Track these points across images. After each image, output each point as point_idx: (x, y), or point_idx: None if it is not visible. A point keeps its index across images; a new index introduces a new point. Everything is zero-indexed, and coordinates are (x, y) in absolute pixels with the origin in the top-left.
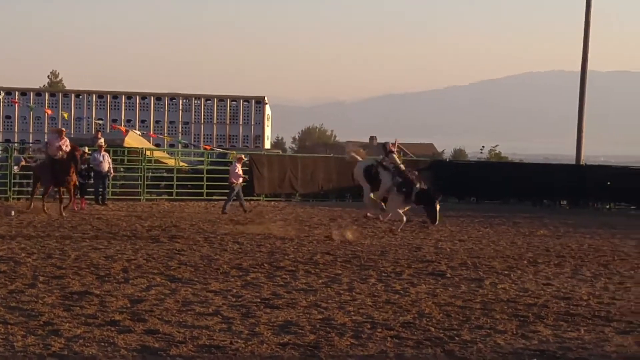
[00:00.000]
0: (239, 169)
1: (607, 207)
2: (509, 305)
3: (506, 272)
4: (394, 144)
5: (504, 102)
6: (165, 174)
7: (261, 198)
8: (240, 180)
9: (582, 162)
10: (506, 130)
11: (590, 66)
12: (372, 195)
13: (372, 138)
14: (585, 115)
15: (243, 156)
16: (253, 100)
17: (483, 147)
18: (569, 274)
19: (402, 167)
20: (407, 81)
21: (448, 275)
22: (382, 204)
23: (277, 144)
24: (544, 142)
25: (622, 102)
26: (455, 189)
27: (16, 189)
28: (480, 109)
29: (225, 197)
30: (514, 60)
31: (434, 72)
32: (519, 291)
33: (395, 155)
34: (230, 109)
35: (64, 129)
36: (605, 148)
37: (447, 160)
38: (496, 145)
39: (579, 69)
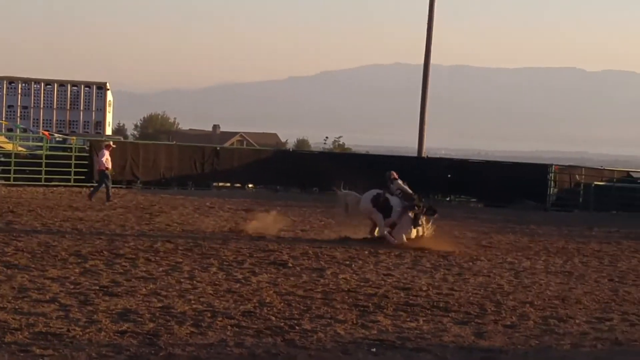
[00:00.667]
0: (107, 156)
1: (448, 199)
2: (350, 295)
3: (347, 262)
4: (395, 172)
5: (347, 93)
6: (2, 159)
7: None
8: (110, 166)
9: (423, 154)
10: (350, 121)
11: (432, 60)
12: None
13: (215, 127)
14: (427, 108)
15: (112, 143)
16: (94, 86)
17: (327, 137)
18: (409, 264)
19: (409, 190)
20: (251, 71)
21: (290, 264)
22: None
23: (119, 130)
24: (387, 134)
25: (463, 96)
26: (298, 179)
27: None
28: (324, 99)
29: (96, 184)
30: (357, 53)
31: (279, 62)
32: (360, 281)
33: (399, 182)
34: (71, 95)
35: None
36: (447, 141)
37: (291, 150)
38: (340, 137)
39: (422, 62)
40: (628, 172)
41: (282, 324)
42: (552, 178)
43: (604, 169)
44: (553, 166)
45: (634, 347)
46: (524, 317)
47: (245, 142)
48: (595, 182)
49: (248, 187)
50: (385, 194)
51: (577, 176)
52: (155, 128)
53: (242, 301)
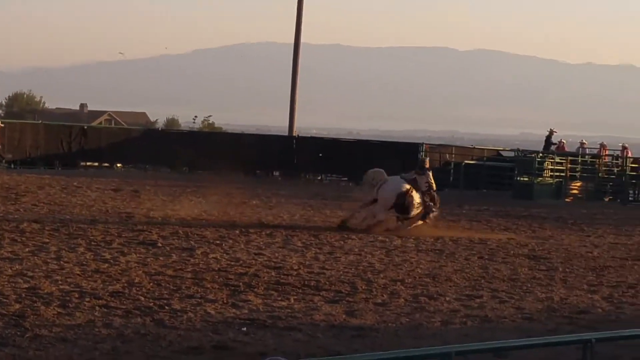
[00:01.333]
0: None
1: (319, 178)
2: (220, 274)
3: (218, 242)
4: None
5: (217, 72)
6: None
7: None
8: None
9: (294, 134)
10: (220, 101)
11: (303, 39)
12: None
13: (82, 105)
14: (297, 88)
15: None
16: None
17: (196, 117)
18: (280, 243)
19: (434, 185)
20: (119, 49)
21: (159, 244)
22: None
23: None
24: (258, 113)
25: (335, 75)
26: (167, 158)
27: None
28: (194, 78)
29: None
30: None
31: (147, 40)
32: (231, 260)
33: (430, 173)
34: None
35: None
36: (318, 120)
37: (160, 129)
38: (209, 116)
39: (292, 41)
40: (498, 151)
41: (151, 304)
42: (423, 157)
43: (474, 148)
44: (424, 145)
45: (503, 324)
46: (394, 295)
47: (113, 121)
48: (466, 161)
49: (116, 166)
50: (412, 190)
51: (447, 155)
52: (20, 107)
53: (111, 281)
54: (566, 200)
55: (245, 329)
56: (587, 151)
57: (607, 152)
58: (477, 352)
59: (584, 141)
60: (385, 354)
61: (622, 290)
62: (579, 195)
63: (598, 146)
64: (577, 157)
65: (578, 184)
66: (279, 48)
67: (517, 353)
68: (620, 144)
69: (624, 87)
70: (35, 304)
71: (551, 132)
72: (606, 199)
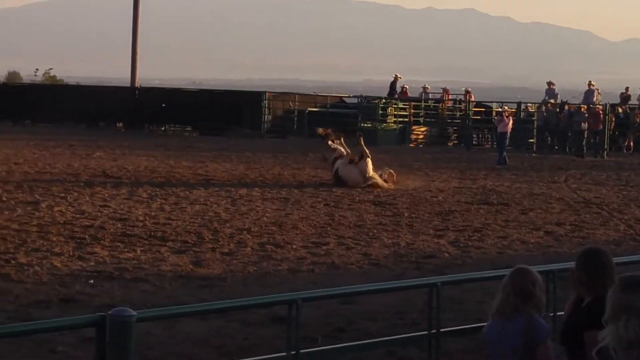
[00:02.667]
0: None
1: (163, 129)
2: (66, 227)
3: (62, 195)
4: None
5: (56, 23)
6: None
7: None
8: None
9: (137, 85)
10: (61, 53)
11: None
12: None
13: None
14: (138, 38)
15: None
16: None
17: (37, 69)
18: (126, 195)
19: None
20: None
21: (4, 198)
22: None
23: None
24: (99, 65)
25: (178, 25)
26: (10, 112)
27: None
28: (33, 30)
29: None
30: None
31: None
32: (76, 213)
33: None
34: None
35: None
36: (162, 70)
37: (1, 83)
38: (50, 68)
39: None
40: (341, 97)
41: None
42: (266, 105)
43: (318, 95)
44: (267, 93)
45: (350, 270)
46: (241, 244)
47: None
48: (309, 109)
49: None
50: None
51: (290, 103)
52: None
53: None
54: (410, 145)
55: (92, 281)
56: (430, 96)
57: (449, 97)
58: (324, 298)
59: (426, 86)
60: (232, 302)
61: (467, 234)
62: (423, 141)
63: (441, 91)
64: (421, 102)
65: (422, 129)
66: None
67: (364, 299)
68: (464, 89)
69: (466, 32)
70: None
71: (396, 78)
72: (450, 144)
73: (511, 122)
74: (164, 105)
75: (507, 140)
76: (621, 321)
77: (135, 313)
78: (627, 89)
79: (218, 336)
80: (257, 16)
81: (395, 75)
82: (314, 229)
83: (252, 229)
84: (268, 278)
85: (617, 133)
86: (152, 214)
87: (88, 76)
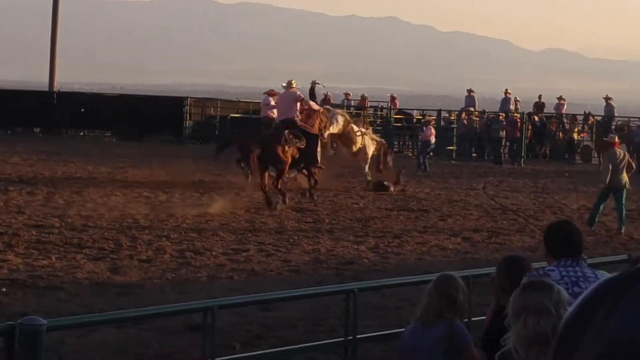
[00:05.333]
0: None
1: (81, 134)
2: None
3: None
4: None
5: None
6: None
7: None
8: None
9: (55, 89)
10: None
11: None
12: None
13: None
14: (58, 41)
15: None
16: None
17: None
18: (42, 201)
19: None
20: None
21: None
22: None
23: None
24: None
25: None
26: None
27: None
28: None
29: None
30: None
31: None
32: None
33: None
34: None
35: None
36: (82, 75)
37: None
38: None
39: None
40: None
41: None
42: (188, 111)
43: (240, 101)
44: (189, 99)
45: (270, 277)
46: (160, 251)
47: None
48: (231, 114)
49: None
50: None
51: (212, 109)
52: None
53: None
54: (331, 151)
55: (4, 289)
56: (352, 103)
57: (368, 104)
58: (240, 305)
59: (348, 93)
60: (147, 310)
61: (387, 241)
62: None
63: (359, 98)
64: (343, 108)
65: None
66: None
67: (283, 306)
68: (389, 94)
69: (387, 40)
70: None
71: (314, 84)
72: None
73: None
74: (83, 110)
75: (430, 148)
76: (520, 320)
77: (46, 322)
78: (540, 97)
79: (134, 345)
80: (183, 21)
81: (313, 81)
82: (234, 236)
83: (171, 236)
84: (186, 285)
85: (534, 141)
86: (69, 220)
87: (6, 80)
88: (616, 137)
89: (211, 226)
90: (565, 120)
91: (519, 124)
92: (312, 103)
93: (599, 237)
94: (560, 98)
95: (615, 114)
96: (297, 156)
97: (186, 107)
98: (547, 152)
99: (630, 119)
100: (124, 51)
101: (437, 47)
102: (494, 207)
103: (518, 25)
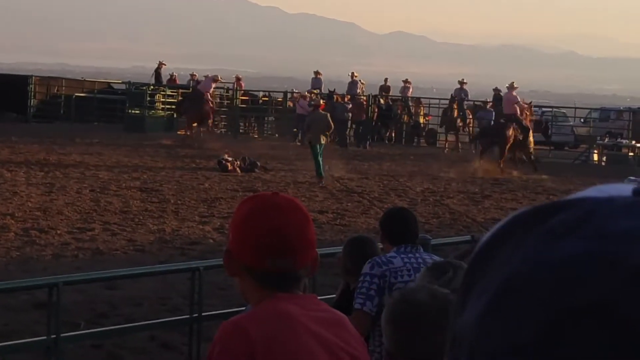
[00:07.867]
0: None
1: None
2: None
3: None
4: None
5: None
6: None
7: None
8: None
9: None
10: None
11: None
12: None
13: None
14: None
15: None
16: None
17: None
18: None
19: None
20: None
21: None
22: None
23: None
24: None
25: None
26: None
27: None
28: None
29: None
30: None
31: None
32: None
33: None
34: None
35: None
36: None
37: None
38: None
39: None
40: (109, 83)
41: None
42: (32, 90)
43: (85, 80)
44: (33, 77)
45: (115, 256)
46: (4, 229)
47: None
48: (76, 94)
49: None
50: None
51: (57, 88)
52: None
53: None
54: (178, 132)
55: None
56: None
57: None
58: (85, 282)
59: (194, 73)
60: None
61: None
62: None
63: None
64: (189, 89)
65: None
66: None
67: (128, 285)
68: (234, 76)
69: (233, 21)
70: None
71: (160, 65)
72: (217, 131)
73: None
74: None
75: None
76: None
77: None
78: (386, 80)
79: None
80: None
81: (159, 62)
82: (79, 215)
83: (16, 214)
84: (31, 264)
85: (379, 124)
86: None
87: None
88: (322, 100)
89: (56, 205)
90: (410, 104)
91: (364, 106)
92: None
93: (442, 220)
94: (405, 81)
95: (469, 98)
96: None
97: (31, 86)
98: (392, 135)
99: (475, 102)
100: None
101: (284, 29)
102: (339, 189)
103: (364, 8)
